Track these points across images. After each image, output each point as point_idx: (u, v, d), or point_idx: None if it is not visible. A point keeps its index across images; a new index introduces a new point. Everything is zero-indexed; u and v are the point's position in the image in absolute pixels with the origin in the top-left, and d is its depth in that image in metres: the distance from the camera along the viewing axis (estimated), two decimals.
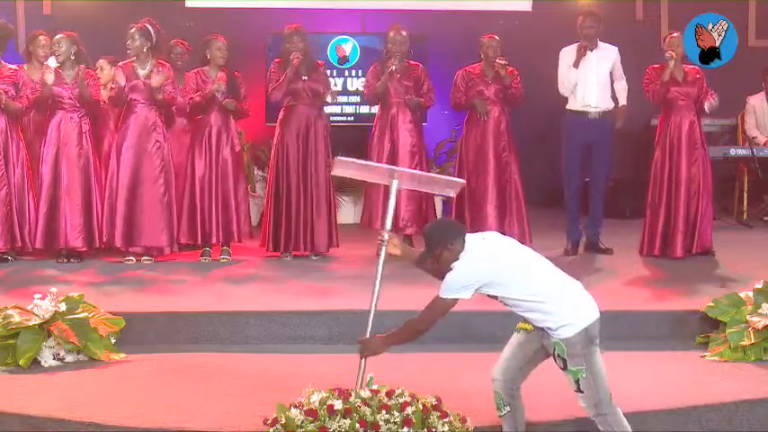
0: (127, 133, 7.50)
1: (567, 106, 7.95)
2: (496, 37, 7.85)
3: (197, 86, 7.66)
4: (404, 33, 7.88)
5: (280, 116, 7.84)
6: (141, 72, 7.53)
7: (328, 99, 7.85)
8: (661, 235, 7.68)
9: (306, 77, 7.72)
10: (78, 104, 7.52)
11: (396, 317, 5.89)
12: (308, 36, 7.85)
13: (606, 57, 7.95)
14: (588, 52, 7.84)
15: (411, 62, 8.00)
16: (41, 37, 7.97)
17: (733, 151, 9.59)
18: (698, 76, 7.73)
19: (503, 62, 7.71)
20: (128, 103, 7.50)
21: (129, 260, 7.52)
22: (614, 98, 8.03)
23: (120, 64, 7.60)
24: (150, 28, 7.52)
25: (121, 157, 7.47)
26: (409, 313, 5.91)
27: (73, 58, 7.54)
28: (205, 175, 7.66)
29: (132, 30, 7.50)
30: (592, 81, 7.87)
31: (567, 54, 7.93)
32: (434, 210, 8.11)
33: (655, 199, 7.74)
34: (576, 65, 7.81)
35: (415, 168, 7.89)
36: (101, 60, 8.12)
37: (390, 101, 7.92)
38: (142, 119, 7.51)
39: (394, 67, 7.73)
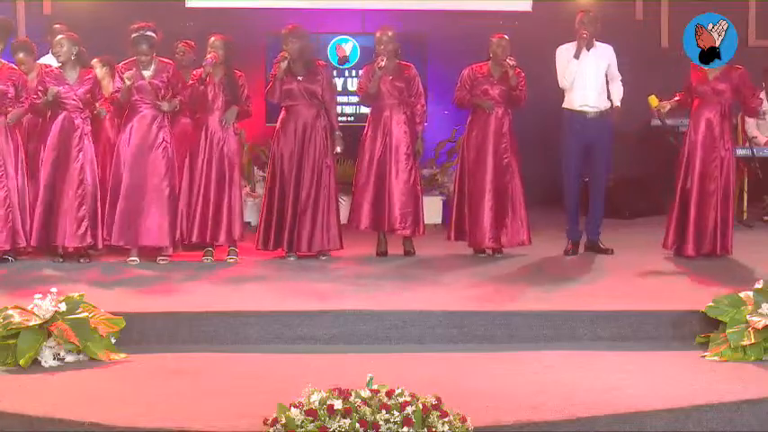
0: (132, 133, 7.50)
1: (565, 105, 7.95)
2: (506, 37, 7.84)
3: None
4: (390, 33, 7.86)
5: (280, 116, 7.85)
6: (145, 72, 7.53)
7: (338, 149, 7.88)
8: (674, 231, 7.63)
9: (301, 78, 7.71)
10: (80, 105, 7.51)
11: (396, 317, 5.93)
12: (307, 36, 7.83)
13: (603, 56, 7.95)
14: (585, 51, 7.84)
15: (403, 63, 7.99)
16: None
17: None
18: (735, 73, 7.57)
19: (513, 62, 7.70)
20: (131, 103, 7.52)
21: (132, 260, 7.52)
22: (610, 98, 8.01)
23: (121, 64, 7.59)
24: (153, 34, 7.52)
25: (127, 156, 7.47)
26: (409, 313, 5.98)
27: (74, 58, 7.54)
28: (203, 174, 7.65)
29: (142, 46, 7.44)
30: (590, 80, 7.87)
31: (566, 50, 7.93)
32: (422, 210, 8.05)
33: (675, 196, 7.69)
34: (576, 56, 7.80)
35: (409, 170, 7.90)
36: (94, 60, 8.11)
37: (383, 102, 7.90)
38: (148, 119, 7.52)
39: (382, 64, 7.72)
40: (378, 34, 7.90)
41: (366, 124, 8.03)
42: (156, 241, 7.53)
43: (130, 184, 7.47)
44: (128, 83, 7.38)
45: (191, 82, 7.68)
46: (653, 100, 7.69)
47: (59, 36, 7.60)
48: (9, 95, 7.49)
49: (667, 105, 7.67)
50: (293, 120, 7.73)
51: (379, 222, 7.90)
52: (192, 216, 7.63)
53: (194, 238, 7.65)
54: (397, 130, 7.88)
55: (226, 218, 7.66)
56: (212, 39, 7.71)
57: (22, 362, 5.28)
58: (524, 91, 7.86)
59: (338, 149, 7.90)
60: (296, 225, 7.66)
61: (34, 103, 7.51)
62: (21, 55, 8.01)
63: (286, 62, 7.61)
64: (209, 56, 7.59)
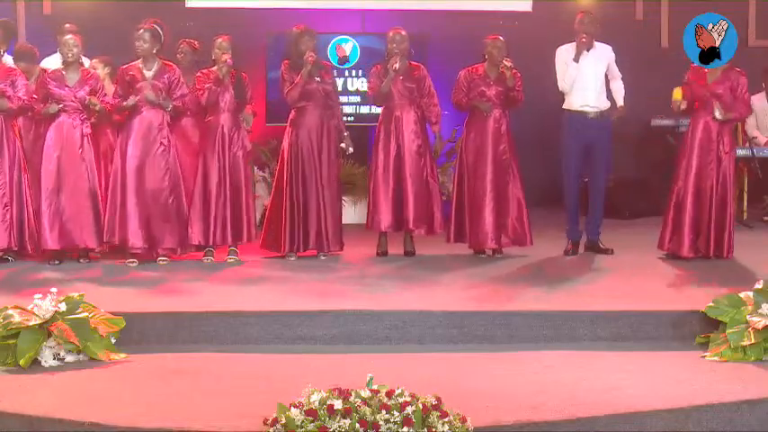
0: (131, 134, 7.48)
1: (565, 106, 7.95)
2: (501, 38, 7.84)
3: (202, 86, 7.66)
4: (403, 32, 7.87)
5: (291, 116, 7.82)
6: (147, 73, 7.51)
7: (350, 149, 7.92)
8: (669, 232, 7.63)
9: (318, 78, 7.71)
10: (80, 107, 7.50)
11: (396, 317, 5.93)
12: (316, 37, 7.86)
13: (602, 56, 7.96)
14: (585, 52, 7.84)
15: (413, 63, 7.99)
16: None
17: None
18: (734, 74, 7.53)
19: (509, 64, 7.69)
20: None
21: (131, 262, 7.50)
22: (609, 98, 8.02)
23: (123, 66, 7.58)
24: (159, 29, 7.52)
25: (126, 158, 7.45)
26: (409, 313, 5.98)
27: (80, 61, 7.55)
28: (218, 176, 7.64)
29: (141, 31, 7.46)
30: (590, 81, 7.87)
31: (565, 51, 7.93)
32: (441, 210, 8.07)
33: (671, 196, 7.68)
34: (576, 59, 7.80)
35: (422, 169, 7.91)
36: (94, 60, 8.09)
37: (394, 102, 7.90)
38: (147, 120, 7.50)
39: (397, 65, 7.71)
40: (390, 33, 7.89)
41: (377, 125, 8.03)
42: (168, 243, 7.54)
43: (132, 187, 7.45)
44: (130, 103, 7.42)
45: (208, 85, 7.61)
46: (677, 93, 7.56)
47: (69, 36, 7.57)
48: (8, 95, 7.49)
49: (685, 104, 7.61)
50: (309, 120, 7.73)
51: (401, 222, 7.91)
52: (215, 218, 7.62)
53: (211, 240, 7.64)
54: (408, 129, 7.88)
55: (238, 218, 7.68)
56: (219, 40, 7.66)
57: (22, 362, 5.28)
58: (521, 91, 7.86)
59: (350, 150, 7.93)
60: (321, 224, 7.69)
61: (26, 104, 7.50)
62: (22, 64, 7.95)
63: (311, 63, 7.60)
64: (225, 56, 7.56)
